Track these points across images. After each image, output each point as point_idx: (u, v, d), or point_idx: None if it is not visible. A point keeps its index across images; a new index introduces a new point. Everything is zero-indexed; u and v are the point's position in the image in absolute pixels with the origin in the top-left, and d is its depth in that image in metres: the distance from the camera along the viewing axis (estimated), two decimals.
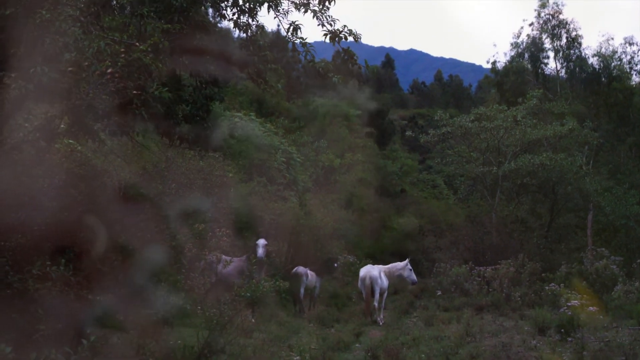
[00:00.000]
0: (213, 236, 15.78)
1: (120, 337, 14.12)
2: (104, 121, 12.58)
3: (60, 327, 11.77)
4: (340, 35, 13.26)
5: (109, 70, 11.29)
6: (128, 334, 14.22)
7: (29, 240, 11.91)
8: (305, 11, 13.64)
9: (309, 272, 27.01)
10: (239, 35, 15.44)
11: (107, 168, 17.41)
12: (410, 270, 27.02)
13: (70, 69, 11.03)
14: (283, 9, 14.24)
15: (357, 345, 19.57)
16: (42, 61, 10.70)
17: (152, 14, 13.02)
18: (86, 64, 11.20)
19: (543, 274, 31.81)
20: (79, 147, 16.67)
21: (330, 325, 24.13)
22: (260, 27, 14.55)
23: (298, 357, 16.51)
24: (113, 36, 12.37)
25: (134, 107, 11.71)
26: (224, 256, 22.50)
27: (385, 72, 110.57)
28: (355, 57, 12.46)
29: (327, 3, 13.61)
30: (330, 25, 12.81)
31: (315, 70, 14.52)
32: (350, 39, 12.76)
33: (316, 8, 13.35)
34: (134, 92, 11.55)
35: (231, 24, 15.23)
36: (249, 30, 14.68)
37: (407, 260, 27.28)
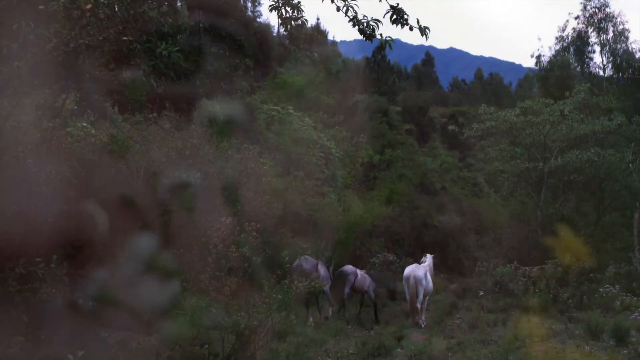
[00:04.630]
0: (242, 231, 14.74)
1: (141, 342, 13.25)
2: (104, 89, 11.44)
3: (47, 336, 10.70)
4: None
5: (88, 7, 10.03)
6: (150, 337, 13.35)
7: (22, 234, 10.85)
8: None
9: (359, 272, 26.01)
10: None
11: (125, 154, 16.42)
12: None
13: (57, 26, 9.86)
14: None
15: (398, 350, 18.61)
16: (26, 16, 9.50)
17: None
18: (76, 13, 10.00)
19: (591, 274, 30.65)
20: (93, 131, 15.70)
21: (369, 327, 23.23)
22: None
23: None
24: None
25: (130, 60, 10.53)
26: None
27: (425, 69, 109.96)
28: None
29: None
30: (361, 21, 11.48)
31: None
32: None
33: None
34: (124, 38, 10.36)
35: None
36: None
37: (430, 256, 26.45)
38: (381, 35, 10.61)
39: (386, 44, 10.54)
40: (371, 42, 10.59)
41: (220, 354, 12.75)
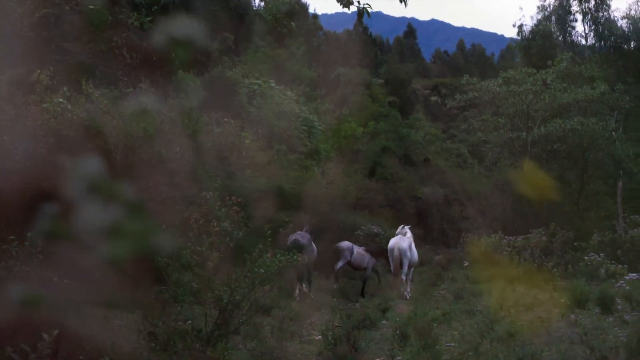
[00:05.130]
0: (222, 205, 14.59)
1: (124, 319, 13.11)
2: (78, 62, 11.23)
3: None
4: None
5: None
6: (133, 315, 13.20)
7: None
8: None
9: (356, 249, 25.87)
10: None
11: (102, 130, 16.21)
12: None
13: None
14: None
15: (383, 322, 18.59)
16: None
17: None
18: None
19: (575, 243, 30.72)
20: (70, 107, 15.48)
21: (354, 300, 23.16)
22: None
23: (320, 337, 15.47)
24: None
25: (102, 32, 10.32)
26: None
27: (407, 42, 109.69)
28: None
29: None
30: None
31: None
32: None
33: None
34: (91, 7, 10.15)
35: None
36: None
37: (406, 227, 26.26)
38: (359, 2, 10.43)
39: (364, 12, 10.36)
40: (348, 9, 10.42)
41: (203, 330, 12.62)
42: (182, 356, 11.46)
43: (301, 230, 24.09)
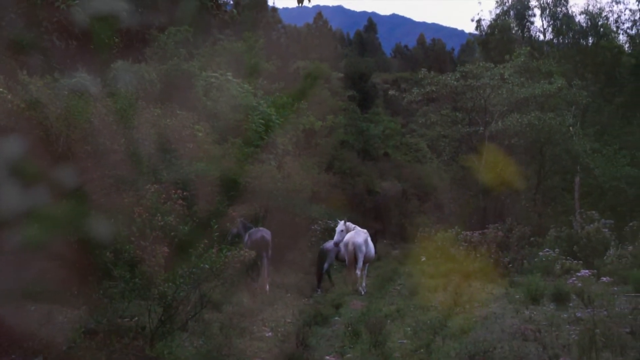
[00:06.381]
0: (167, 198, 14.24)
1: (68, 315, 12.84)
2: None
3: None
4: None
5: None
6: (79, 311, 12.93)
7: None
8: None
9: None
10: None
11: (44, 121, 15.80)
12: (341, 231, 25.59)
13: None
14: None
15: (336, 318, 18.40)
16: None
17: None
18: None
19: (532, 238, 30.78)
20: (10, 97, 15.08)
21: (308, 295, 22.93)
22: None
23: (271, 333, 15.22)
24: None
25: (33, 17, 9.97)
26: None
27: (367, 36, 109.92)
28: None
29: None
30: None
31: None
32: None
33: None
34: None
35: None
36: None
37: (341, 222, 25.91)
38: None
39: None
40: None
41: (148, 326, 12.34)
42: (120, 354, 11.19)
43: (234, 225, 23.86)
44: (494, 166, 41.34)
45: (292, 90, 48.15)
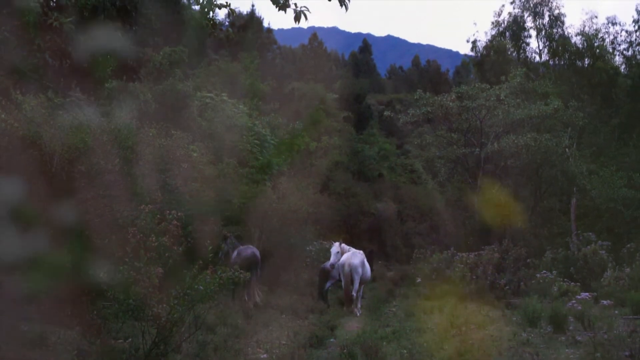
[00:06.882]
0: (162, 219, 14.10)
1: (62, 336, 12.69)
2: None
3: None
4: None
5: None
6: (72, 332, 12.78)
7: None
8: None
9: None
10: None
11: (37, 140, 15.67)
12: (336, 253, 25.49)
13: None
14: None
15: (331, 340, 18.17)
16: None
17: None
18: None
19: (528, 260, 30.63)
20: (3, 116, 14.93)
21: (304, 316, 22.73)
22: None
23: (265, 355, 15.03)
24: None
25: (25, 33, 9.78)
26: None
27: (362, 57, 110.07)
28: None
29: None
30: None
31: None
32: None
33: None
34: None
35: None
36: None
37: (336, 244, 25.80)
38: (295, 5, 9.98)
39: (301, 15, 9.93)
40: (285, 12, 9.98)
41: (142, 348, 12.17)
42: None
43: (227, 242, 23.81)
44: (489, 188, 41.32)
45: (287, 111, 48.31)
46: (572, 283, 25.42)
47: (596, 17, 67.81)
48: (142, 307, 12.07)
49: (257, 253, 23.64)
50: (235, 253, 23.27)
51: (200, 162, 25.87)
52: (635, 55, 53.97)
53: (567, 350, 15.16)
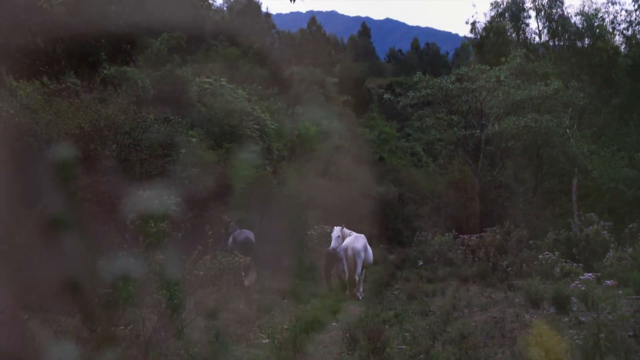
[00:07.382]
0: (161, 204, 14.01)
1: (62, 323, 12.60)
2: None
3: None
4: None
5: None
6: (73, 319, 12.69)
7: None
8: None
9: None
10: None
11: (33, 127, 15.57)
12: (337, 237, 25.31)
13: None
14: None
15: (334, 324, 18.12)
16: None
17: None
18: None
19: (530, 241, 30.52)
20: None
21: (306, 301, 22.63)
22: None
23: (267, 340, 14.95)
24: None
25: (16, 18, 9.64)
26: None
27: (361, 41, 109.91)
28: None
29: None
30: None
31: None
32: None
33: None
34: None
35: None
36: None
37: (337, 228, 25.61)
38: None
39: None
40: None
41: (142, 335, 12.08)
42: None
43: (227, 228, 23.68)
44: (490, 169, 41.26)
45: (287, 96, 48.17)
46: (575, 264, 25.30)
47: None
48: (143, 294, 12.00)
49: (252, 237, 23.36)
50: (230, 239, 23.16)
51: (200, 147, 25.78)
52: (635, 35, 53.63)
53: (570, 331, 15.06)
